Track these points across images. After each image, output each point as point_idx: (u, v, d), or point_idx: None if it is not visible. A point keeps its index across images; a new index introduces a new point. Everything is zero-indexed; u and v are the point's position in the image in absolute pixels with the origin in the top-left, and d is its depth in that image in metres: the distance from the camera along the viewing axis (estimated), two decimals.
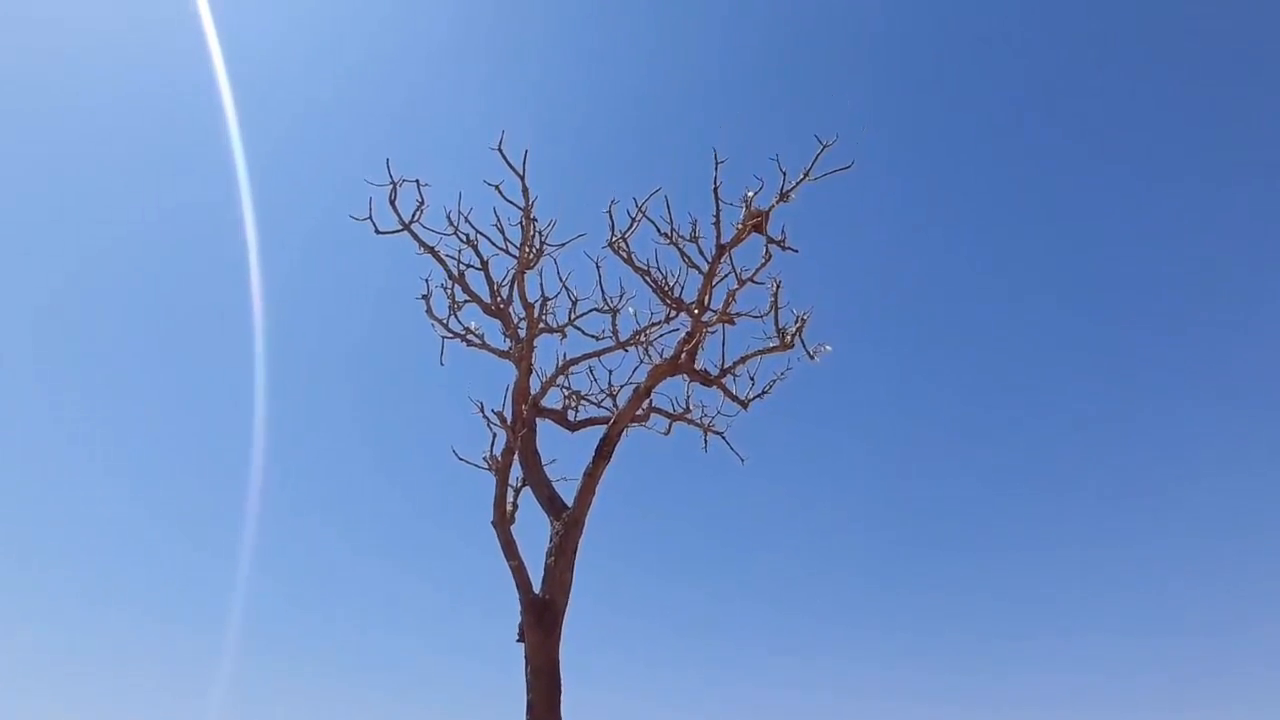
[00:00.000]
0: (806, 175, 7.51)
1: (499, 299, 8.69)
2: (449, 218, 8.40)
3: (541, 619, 6.90)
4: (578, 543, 7.43)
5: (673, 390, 9.27)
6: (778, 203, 7.67)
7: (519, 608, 7.07)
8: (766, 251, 7.84)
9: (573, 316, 8.90)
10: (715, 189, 7.61)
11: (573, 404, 9.29)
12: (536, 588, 7.16)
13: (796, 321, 8.16)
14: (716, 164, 7.55)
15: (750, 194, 7.71)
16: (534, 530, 7.70)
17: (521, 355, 8.25)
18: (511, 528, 7.65)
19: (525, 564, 7.30)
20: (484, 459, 8.17)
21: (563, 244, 8.51)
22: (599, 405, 9.36)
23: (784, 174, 7.53)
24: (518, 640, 6.95)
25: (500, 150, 7.85)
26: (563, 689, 6.74)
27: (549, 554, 7.36)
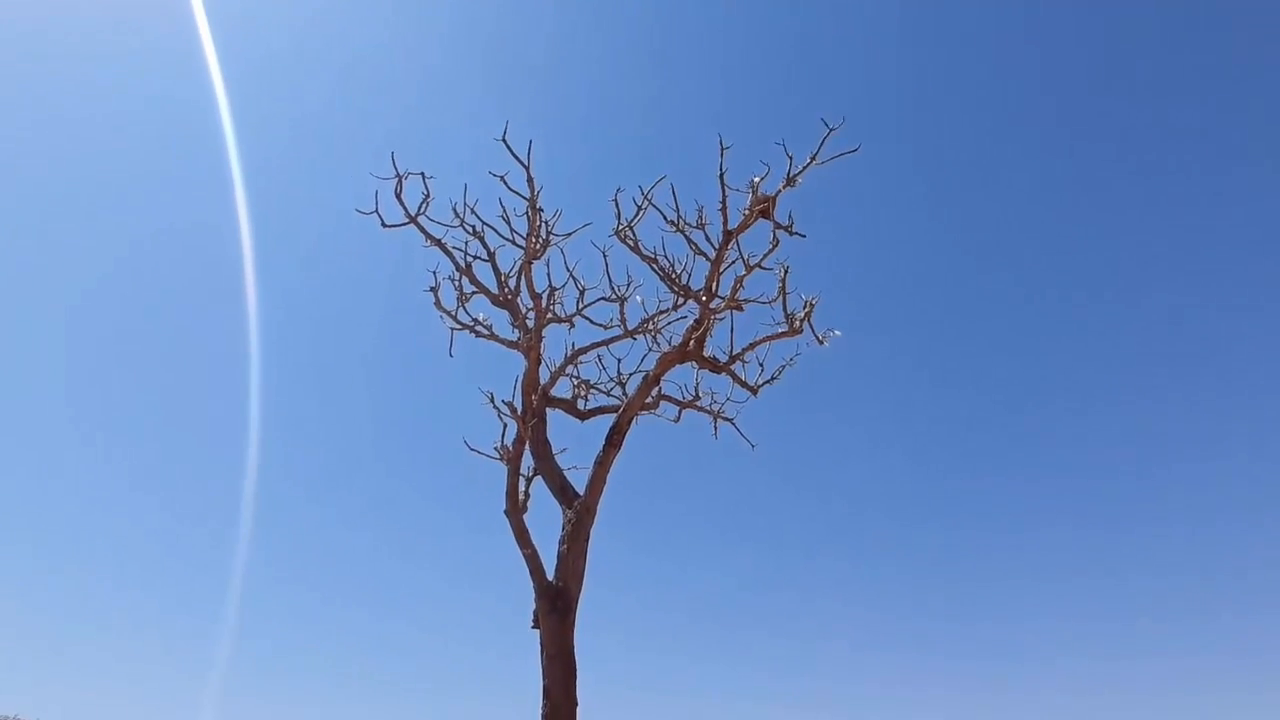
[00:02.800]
0: (813, 159, 7.45)
1: (507, 290, 8.71)
2: (455, 210, 8.42)
3: (555, 605, 6.98)
4: (590, 530, 7.50)
5: (682, 378, 9.31)
6: (784, 187, 7.62)
7: (533, 595, 7.16)
8: (774, 237, 7.80)
9: (581, 306, 8.92)
10: (721, 175, 7.57)
11: (582, 393, 9.33)
12: (550, 575, 7.24)
13: (805, 306, 8.14)
14: (722, 150, 7.51)
15: (757, 179, 7.66)
16: (546, 519, 7.78)
17: (530, 345, 8.28)
18: (524, 516, 7.73)
19: (538, 552, 7.37)
20: (495, 449, 8.23)
21: (569, 234, 8.51)
22: (608, 394, 9.41)
23: (790, 158, 7.48)
24: (533, 627, 7.03)
25: (505, 141, 7.84)
26: (578, 673, 6.84)
27: (561, 542, 7.43)
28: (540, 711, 6.58)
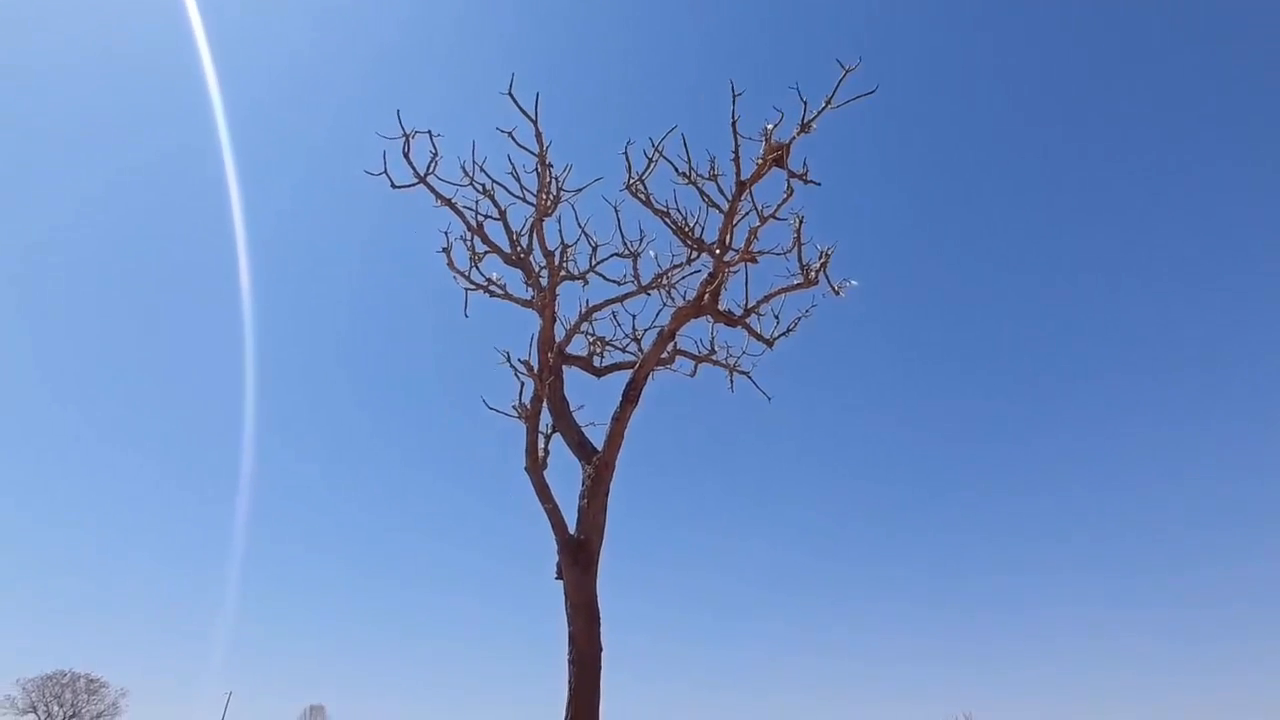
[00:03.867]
0: (829, 103, 7.20)
1: (519, 248, 8.66)
2: (463, 168, 8.31)
3: (577, 558, 7.17)
4: (609, 485, 7.63)
5: (697, 332, 9.27)
6: (799, 134, 7.40)
7: (556, 548, 7.34)
8: (788, 186, 7.62)
9: (594, 262, 8.86)
10: (733, 123, 7.36)
11: (598, 350, 9.35)
12: (571, 529, 7.41)
13: (820, 257, 8.01)
14: (734, 97, 7.27)
15: (770, 126, 7.44)
16: (567, 474, 7.92)
17: (544, 303, 8.28)
18: (544, 473, 7.87)
19: (559, 507, 7.53)
20: (513, 407, 8.34)
21: (579, 189, 8.39)
22: (624, 350, 9.42)
23: (805, 103, 7.24)
24: (556, 578, 7.24)
25: (511, 95, 7.66)
26: (601, 621, 7.07)
27: (582, 496, 7.57)
28: (567, 657, 6.84)
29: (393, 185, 8.09)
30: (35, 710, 48.80)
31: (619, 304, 8.99)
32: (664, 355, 8.69)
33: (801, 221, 7.81)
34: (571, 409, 8.39)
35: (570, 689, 6.69)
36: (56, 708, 49.47)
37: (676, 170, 7.78)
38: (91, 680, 51.40)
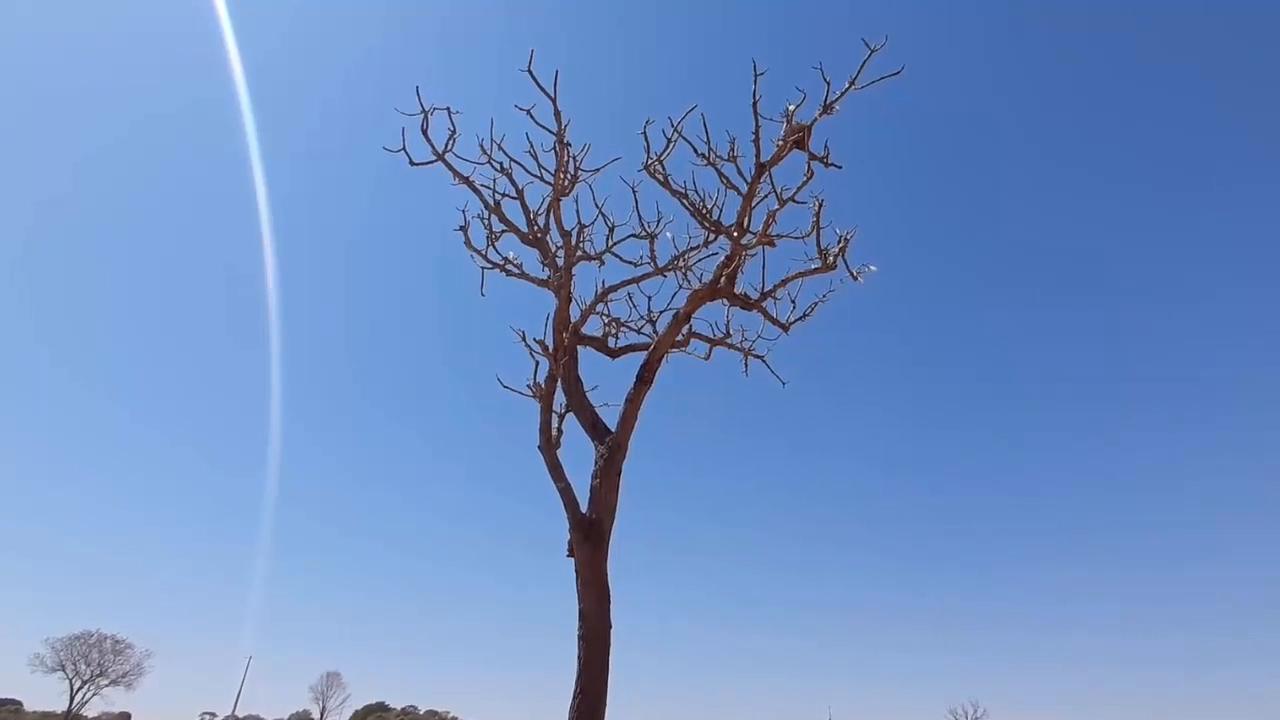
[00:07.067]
0: (852, 84, 7.07)
1: (536, 228, 8.65)
2: (481, 146, 8.29)
3: (589, 536, 7.25)
4: (621, 465, 7.68)
5: (713, 315, 9.24)
6: (821, 115, 7.28)
7: (568, 526, 7.42)
8: (809, 168, 7.52)
9: (610, 243, 8.84)
10: (754, 104, 7.26)
11: (613, 331, 9.36)
12: (584, 508, 7.48)
13: (839, 241, 7.92)
14: (756, 76, 7.17)
15: (792, 107, 7.33)
16: (580, 454, 7.98)
17: (561, 283, 8.28)
18: (558, 452, 7.94)
19: (572, 486, 7.60)
20: (528, 386, 8.39)
21: (598, 169, 8.34)
22: (639, 331, 9.42)
23: (828, 84, 7.12)
24: (568, 555, 7.33)
25: (530, 72, 7.60)
26: (611, 598, 7.16)
27: (594, 476, 7.64)
28: (578, 632, 6.95)
29: (411, 162, 8.10)
30: (63, 668, 50.60)
31: (635, 285, 8.98)
32: (679, 337, 8.68)
33: (821, 205, 7.72)
34: (585, 389, 8.43)
35: (580, 662, 6.80)
36: (84, 666, 51.26)
37: (695, 151, 7.70)
38: (118, 641, 53.14)
